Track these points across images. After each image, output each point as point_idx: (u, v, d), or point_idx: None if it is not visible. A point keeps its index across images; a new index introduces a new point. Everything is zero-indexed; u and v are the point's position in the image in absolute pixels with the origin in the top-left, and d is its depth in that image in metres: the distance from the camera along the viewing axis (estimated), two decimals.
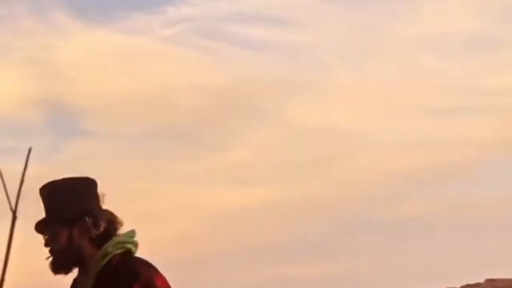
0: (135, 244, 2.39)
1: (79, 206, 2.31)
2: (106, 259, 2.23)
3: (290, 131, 11.43)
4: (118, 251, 2.30)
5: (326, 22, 11.42)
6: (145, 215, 10.55)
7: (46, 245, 2.27)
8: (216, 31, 11.12)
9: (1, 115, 9.95)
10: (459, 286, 10.79)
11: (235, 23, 11.26)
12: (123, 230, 2.38)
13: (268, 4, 11.34)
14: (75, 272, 2.30)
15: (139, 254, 2.19)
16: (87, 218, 2.25)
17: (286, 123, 11.50)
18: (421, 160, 11.78)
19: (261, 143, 11.46)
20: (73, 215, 2.28)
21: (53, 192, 2.34)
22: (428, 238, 11.29)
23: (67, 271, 2.25)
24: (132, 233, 2.41)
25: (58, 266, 2.23)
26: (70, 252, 2.29)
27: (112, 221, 2.33)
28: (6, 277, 2.17)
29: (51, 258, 2.24)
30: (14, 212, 1.82)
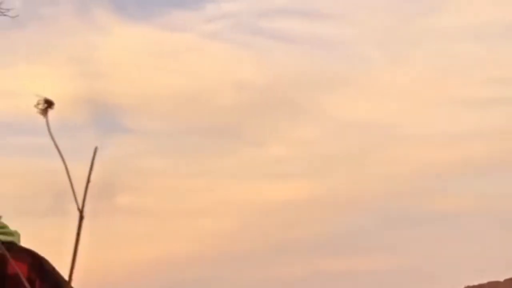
0: (10, 234, 2.35)
1: None
2: None
3: (329, 126, 11.39)
4: None
5: (367, 15, 11.35)
6: (186, 210, 10.58)
7: None
8: (256, 26, 11.10)
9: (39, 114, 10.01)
10: (502, 279, 10.69)
11: (275, 18, 11.22)
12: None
13: None
14: None
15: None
16: None
17: (325, 117, 11.46)
18: (460, 153, 11.69)
19: (300, 138, 11.44)
20: None
21: None
22: (466, 232, 11.21)
23: None
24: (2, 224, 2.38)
25: None
26: None
27: None
28: (74, 276, 2.17)
29: None
30: (81, 212, 1.82)
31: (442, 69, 11.65)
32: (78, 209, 1.82)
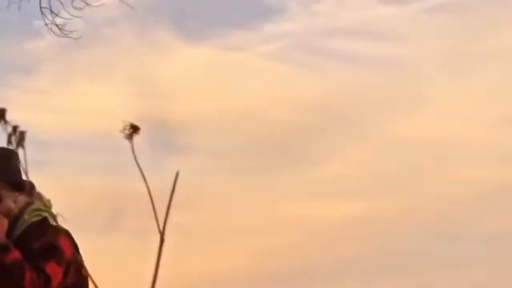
0: (52, 215, 2.49)
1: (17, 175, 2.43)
2: (24, 226, 2.34)
3: (387, 145, 11.36)
4: (35, 219, 2.41)
5: (428, 35, 11.30)
6: (244, 228, 10.62)
7: None
8: (315, 46, 11.13)
9: (103, 132, 10.15)
10: None
11: (334, 38, 11.23)
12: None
13: (369, 18, 11.28)
14: None
15: None
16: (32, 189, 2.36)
17: (384, 136, 11.44)
18: None
19: (358, 157, 11.43)
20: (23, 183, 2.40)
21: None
22: None
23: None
24: (48, 202, 2.53)
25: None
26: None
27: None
28: None
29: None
30: (162, 235, 1.86)
31: (505, 90, 11.55)
32: (159, 231, 1.88)
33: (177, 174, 1.95)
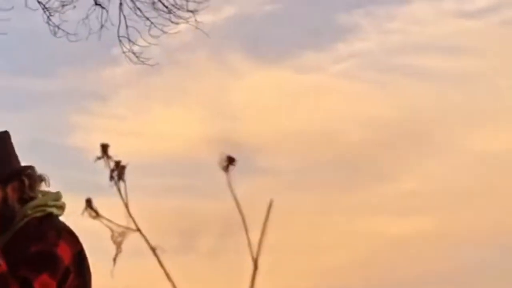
0: (59, 207, 2.27)
1: (13, 165, 2.22)
2: (23, 221, 2.16)
3: (462, 159, 11.32)
4: (38, 214, 2.25)
5: (501, 48, 11.24)
6: (315, 245, 10.69)
7: None
8: (388, 63, 11.17)
9: (179, 155, 10.36)
10: None
11: (408, 54, 11.26)
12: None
13: (442, 32, 11.27)
14: None
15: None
16: (25, 179, 2.17)
17: (458, 151, 11.40)
18: None
19: (431, 172, 11.40)
20: (10, 174, 2.18)
21: None
22: None
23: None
24: (56, 196, 2.31)
25: None
26: (6, 212, 2.22)
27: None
28: None
29: None
30: (255, 262, 1.99)
31: None
32: (252, 258, 1.98)
33: (271, 202, 1.94)
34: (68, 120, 9.98)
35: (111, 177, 2.00)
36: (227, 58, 10.79)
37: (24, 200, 2.30)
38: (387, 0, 11.23)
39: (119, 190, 2.02)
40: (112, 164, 2.02)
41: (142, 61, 7.93)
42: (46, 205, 2.31)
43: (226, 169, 2.11)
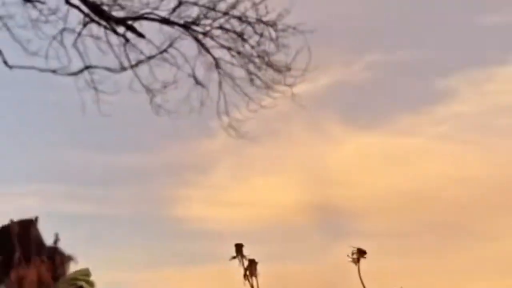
0: (89, 282, 2.27)
1: (45, 246, 2.24)
2: None
3: None
4: None
5: None
6: None
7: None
8: (485, 124, 11.09)
9: (277, 221, 10.42)
10: None
11: (505, 114, 11.17)
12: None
13: None
14: None
15: None
16: (57, 257, 2.19)
17: None
18: None
19: None
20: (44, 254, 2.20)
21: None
22: None
23: None
24: (86, 271, 2.31)
25: None
26: None
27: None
28: None
29: None
30: None
31: None
32: None
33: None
34: (171, 193, 10.19)
35: (245, 275, 2.08)
36: (323, 126, 10.88)
37: (57, 278, 2.35)
38: (485, 61, 11.18)
39: (252, 286, 2.08)
40: (246, 263, 2.09)
41: (242, 136, 8.10)
42: (76, 279, 2.35)
43: (356, 261, 2.17)
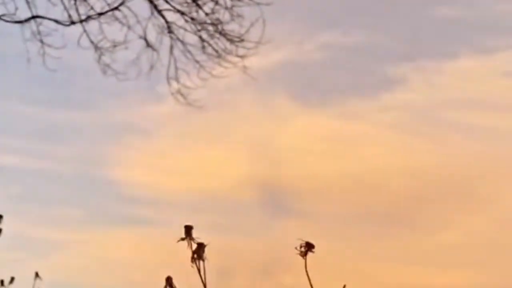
0: None
1: None
2: None
3: (504, 215, 11.17)
4: None
5: None
6: None
7: None
8: (433, 116, 11.12)
9: (218, 194, 10.33)
10: None
11: (453, 108, 11.20)
12: None
13: (489, 89, 11.22)
14: None
15: None
16: None
17: (500, 207, 11.26)
18: None
19: (472, 226, 11.26)
20: None
21: None
22: None
23: None
24: None
25: None
26: None
27: None
28: None
29: None
30: None
31: None
32: None
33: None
34: (112, 154, 10.03)
35: (193, 258, 1.99)
36: (272, 102, 10.79)
37: None
38: (436, 54, 11.21)
39: (199, 270, 2.00)
40: (194, 246, 2.00)
41: (190, 103, 7.96)
42: None
43: (303, 254, 2.07)
